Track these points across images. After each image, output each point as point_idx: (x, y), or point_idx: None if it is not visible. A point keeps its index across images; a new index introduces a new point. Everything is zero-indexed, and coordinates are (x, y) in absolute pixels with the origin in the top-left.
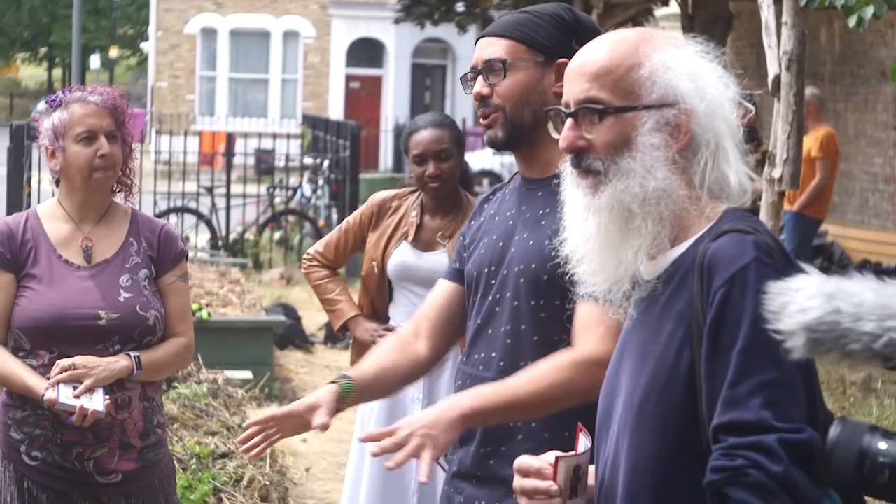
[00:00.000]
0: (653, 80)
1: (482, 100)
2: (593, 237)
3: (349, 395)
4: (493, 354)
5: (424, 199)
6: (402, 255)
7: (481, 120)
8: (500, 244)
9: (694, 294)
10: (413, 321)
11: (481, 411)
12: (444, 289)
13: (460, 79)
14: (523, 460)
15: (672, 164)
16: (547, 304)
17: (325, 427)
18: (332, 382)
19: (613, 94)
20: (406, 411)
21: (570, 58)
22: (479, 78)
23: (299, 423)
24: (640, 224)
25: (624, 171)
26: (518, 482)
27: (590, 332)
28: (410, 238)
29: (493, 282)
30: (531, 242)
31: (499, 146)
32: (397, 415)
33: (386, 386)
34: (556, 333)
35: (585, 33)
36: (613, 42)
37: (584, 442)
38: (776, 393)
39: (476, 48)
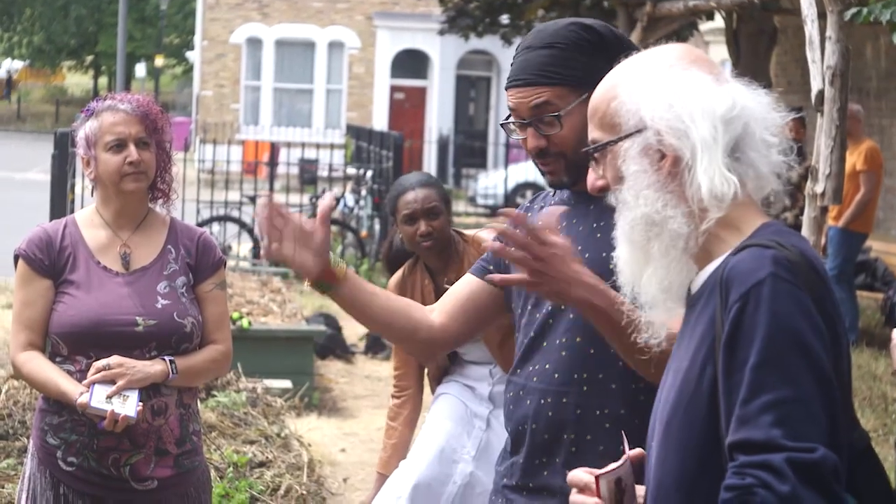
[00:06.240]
0: (626, 108)
1: (539, 151)
2: (625, 264)
3: (337, 266)
4: (548, 366)
5: (426, 262)
6: None
7: (540, 166)
8: None
9: (716, 309)
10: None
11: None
12: (469, 281)
13: (500, 124)
14: (575, 474)
15: (660, 186)
16: None
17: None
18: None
19: (602, 131)
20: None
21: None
22: (531, 130)
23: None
24: (648, 249)
25: (622, 202)
26: (571, 497)
27: None
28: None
29: None
30: (587, 255)
31: (565, 188)
32: (455, 434)
33: (376, 306)
34: (611, 346)
35: (611, 47)
36: (606, 79)
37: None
38: (788, 411)
39: (512, 96)
